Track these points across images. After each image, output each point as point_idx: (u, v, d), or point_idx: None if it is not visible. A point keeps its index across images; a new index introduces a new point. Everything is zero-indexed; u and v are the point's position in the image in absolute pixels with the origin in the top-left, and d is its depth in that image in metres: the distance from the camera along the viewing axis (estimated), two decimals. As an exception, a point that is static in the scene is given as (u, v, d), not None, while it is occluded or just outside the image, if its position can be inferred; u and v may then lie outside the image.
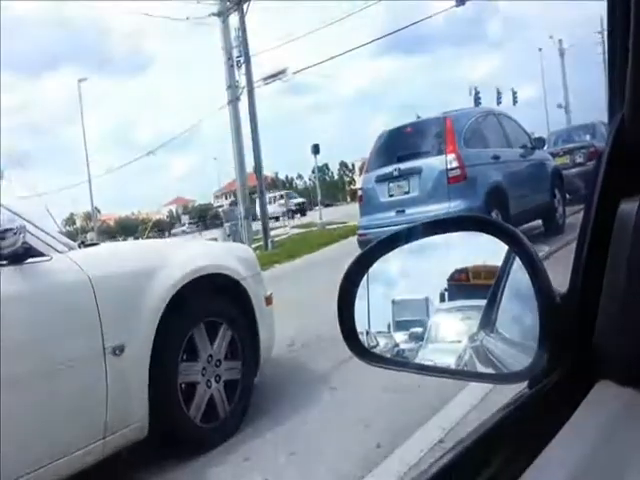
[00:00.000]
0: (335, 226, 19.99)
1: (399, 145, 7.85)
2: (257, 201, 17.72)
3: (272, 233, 20.73)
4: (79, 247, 2.80)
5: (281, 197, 34.78)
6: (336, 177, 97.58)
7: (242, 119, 17.47)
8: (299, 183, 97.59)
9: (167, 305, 2.83)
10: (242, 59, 17.37)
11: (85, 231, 61.42)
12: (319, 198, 28.28)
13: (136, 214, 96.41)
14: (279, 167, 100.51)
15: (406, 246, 0.87)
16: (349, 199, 62.23)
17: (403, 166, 7.44)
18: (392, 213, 7.46)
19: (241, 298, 3.36)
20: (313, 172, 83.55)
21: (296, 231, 21.96)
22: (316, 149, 21.67)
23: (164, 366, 2.83)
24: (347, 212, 23.24)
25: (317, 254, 13.04)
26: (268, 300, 3.63)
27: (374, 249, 0.89)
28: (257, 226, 18.30)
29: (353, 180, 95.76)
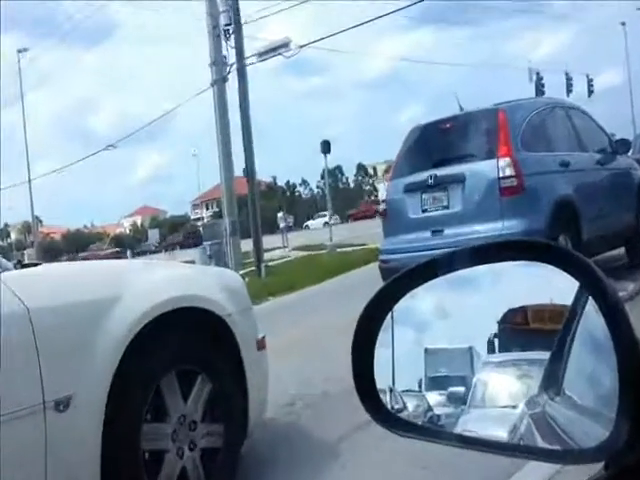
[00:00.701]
0: (350, 249, 20.13)
1: (436, 145, 7.88)
2: (249, 212, 17.80)
3: (267, 255, 20.76)
4: (15, 268, 2.81)
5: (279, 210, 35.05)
6: (352, 184, 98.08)
7: (230, 106, 17.74)
8: (303, 191, 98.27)
9: (127, 347, 2.84)
10: (231, 28, 17.53)
11: (23, 247, 61.81)
12: (329, 212, 28.47)
13: (89, 227, 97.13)
14: (277, 170, 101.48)
15: (444, 278, 0.87)
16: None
17: (441, 172, 7.46)
18: (426, 234, 7.46)
19: (225, 340, 3.37)
20: (322, 177, 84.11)
21: (298, 254, 22.17)
22: (326, 147, 21.70)
23: (123, 427, 2.82)
24: (368, 230, 23.26)
25: (325, 285, 13.09)
26: (260, 344, 3.63)
27: (401, 281, 0.89)
28: (247, 245, 18.36)
29: (374, 189, 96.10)
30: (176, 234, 60.27)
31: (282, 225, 30.92)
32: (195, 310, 3.22)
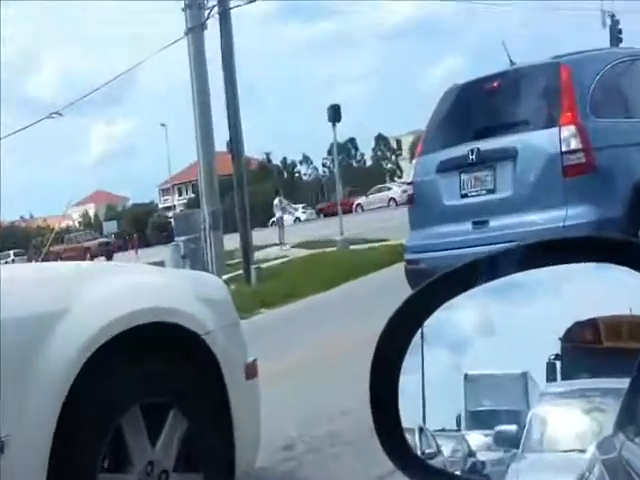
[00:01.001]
0: (367, 245, 20.17)
1: (479, 110, 7.87)
2: (235, 199, 17.81)
3: (259, 255, 20.68)
4: None
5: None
6: (369, 161, 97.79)
7: (210, 61, 17.72)
8: (305, 171, 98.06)
9: (78, 376, 2.84)
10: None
11: None
12: (339, 196, 28.44)
13: (27, 220, 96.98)
14: (272, 144, 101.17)
15: (489, 284, 0.88)
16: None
17: (485, 146, 7.46)
18: (465, 226, 7.47)
19: (204, 365, 3.38)
20: (330, 153, 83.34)
21: (300, 253, 22.23)
22: (336, 114, 21.67)
23: (71, 478, 2.82)
24: (388, 222, 23.19)
25: (334, 293, 13.06)
26: (250, 370, 3.64)
27: (434, 288, 0.90)
28: (233, 242, 18.28)
29: (398, 168, 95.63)
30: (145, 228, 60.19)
31: (278, 215, 30.89)
32: (165, 327, 3.23)
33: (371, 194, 64.03)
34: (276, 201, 32.41)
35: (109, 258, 44.70)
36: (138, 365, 3.14)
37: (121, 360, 3.04)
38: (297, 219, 59.16)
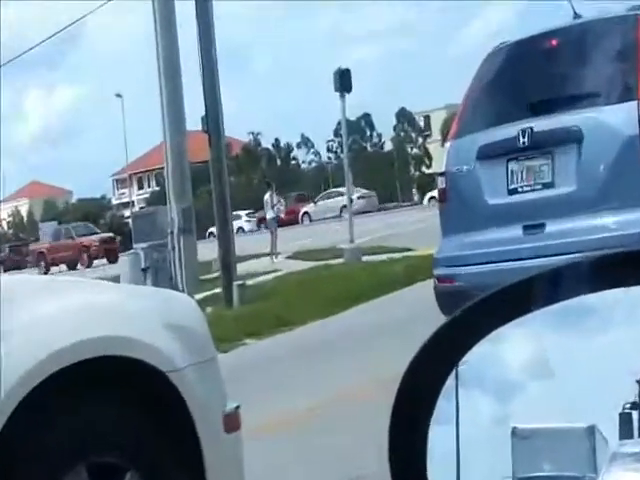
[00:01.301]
0: (385, 256, 20.23)
1: (532, 78, 7.87)
2: (213, 197, 17.80)
3: (244, 268, 20.51)
4: None
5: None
6: (388, 145, 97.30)
7: (180, 14, 17.80)
8: (305, 157, 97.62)
9: (5, 426, 2.84)
10: None
11: None
12: (349, 190, 28.38)
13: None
14: (261, 122, 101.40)
15: (548, 309, 0.88)
16: (417, 196, 62.74)
17: (541, 125, 7.45)
18: (515, 231, 7.46)
19: (171, 414, 3.39)
20: (337, 134, 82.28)
21: (297, 265, 22.28)
22: (345, 81, 21.70)
23: None
24: (412, 225, 23.09)
25: (341, 320, 13.13)
26: (231, 421, 3.64)
27: (473, 314, 0.91)
28: (210, 250, 18.18)
29: (426, 154, 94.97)
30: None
31: (270, 216, 30.86)
32: (119, 362, 3.24)
33: (321, 200, 65.28)
34: (267, 197, 32.12)
35: (113, 260, 43.43)
36: (84, 412, 3.14)
37: (62, 405, 3.04)
38: (240, 229, 59.68)
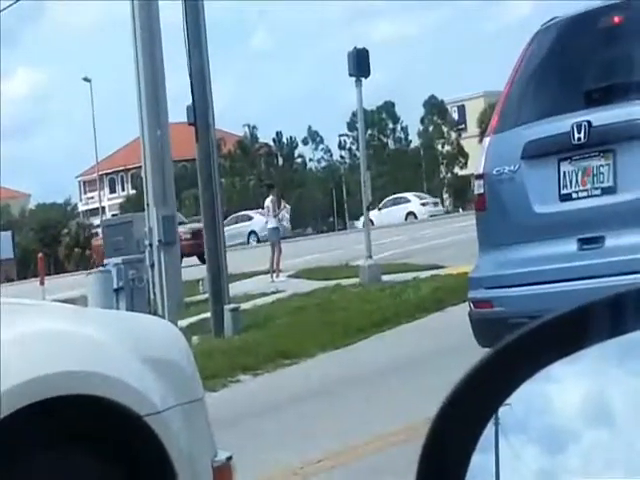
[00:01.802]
0: (411, 275, 20.29)
1: (590, 61, 7.88)
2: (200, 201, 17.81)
3: (237, 287, 20.47)
4: None
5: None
6: (415, 140, 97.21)
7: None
8: (312, 155, 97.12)
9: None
10: None
11: None
12: (365, 196, 28.31)
13: None
14: (259, 113, 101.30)
15: (609, 343, 0.87)
16: (449, 201, 62.91)
17: (600, 118, 7.46)
18: (568, 246, 7.46)
19: (149, 466, 3.39)
20: (351, 127, 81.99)
21: (302, 286, 22.41)
22: (361, 63, 21.79)
23: None
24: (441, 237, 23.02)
25: (354, 352, 13.22)
26: (222, 475, 3.65)
27: (518, 348, 0.90)
28: (196, 268, 18.09)
29: (460, 151, 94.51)
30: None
31: (271, 226, 30.56)
32: (84, 404, 3.24)
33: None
34: (268, 202, 32.02)
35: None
36: (42, 466, 3.15)
37: (16, 458, 3.05)
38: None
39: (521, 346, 0.90)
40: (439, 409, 0.90)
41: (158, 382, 3.50)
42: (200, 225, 19.22)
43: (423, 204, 67.84)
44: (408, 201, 68.74)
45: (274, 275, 26.33)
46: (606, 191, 7.44)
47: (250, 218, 64.72)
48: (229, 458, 3.72)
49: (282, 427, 8.70)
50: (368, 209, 26.18)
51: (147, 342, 3.70)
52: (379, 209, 66.99)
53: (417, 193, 72.66)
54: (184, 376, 3.70)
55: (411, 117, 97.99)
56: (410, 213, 66.99)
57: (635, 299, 0.85)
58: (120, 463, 3.36)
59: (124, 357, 3.50)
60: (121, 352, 3.53)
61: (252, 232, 60.66)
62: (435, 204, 71.26)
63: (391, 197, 70.74)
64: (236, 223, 64.95)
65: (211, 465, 3.63)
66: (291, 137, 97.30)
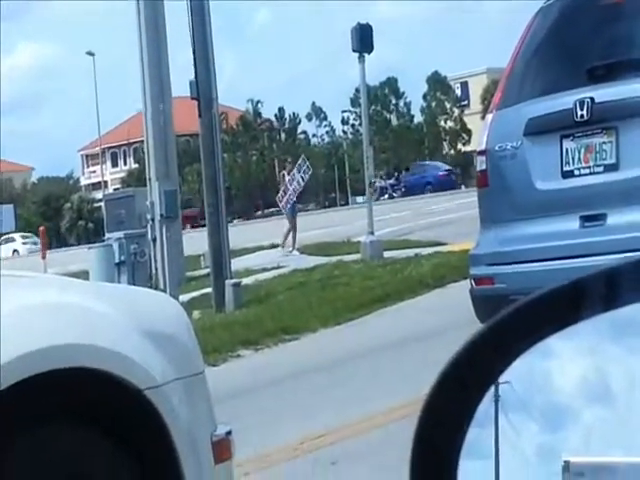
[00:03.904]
0: (413, 252, 20.32)
1: (593, 37, 7.86)
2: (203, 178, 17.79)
3: (240, 263, 20.47)
4: None
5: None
6: (417, 116, 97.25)
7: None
8: (315, 131, 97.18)
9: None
10: None
11: None
12: (368, 174, 28.25)
13: None
14: (262, 89, 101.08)
15: (607, 317, 0.87)
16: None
17: (603, 95, 7.45)
18: (570, 223, 7.45)
19: (148, 440, 3.39)
20: (354, 103, 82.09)
21: (304, 261, 22.47)
22: (364, 38, 21.75)
23: None
24: (441, 215, 23.01)
25: (357, 327, 13.28)
26: (221, 449, 3.65)
27: (516, 322, 0.91)
28: (199, 241, 18.11)
29: (463, 127, 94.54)
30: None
31: (286, 196, 29.16)
32: (83, 377, 3.24)
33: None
34: (287, 174, 30.82)
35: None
36: (38, 438, 3.15)
37: (12, 431, 3.05)
38: (15, 251, 61.25)
39: (515, 320, 0.90)
40: (434, 383, 0.90)
41: (158, 356, 3.50)
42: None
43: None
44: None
45: (285, 249, 26.09)
46: (608, 168, 7.43)
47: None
48: (229, 433, 3.72)
49: (282, 402, 8.72)
50: (371, 185, 26.14)
51: (148, 316, 3.69)
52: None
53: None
54: (185, 350, 3.70)
55: (414, 93, 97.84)
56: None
57: (629, 273, 0.85)
58: (119, 437, 3.36)
59: (125, 331, 3.50)
60: (122, 326, 3.52)
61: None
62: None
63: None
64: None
65: (211, 439, 3.63)
66: (294, 113, 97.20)
